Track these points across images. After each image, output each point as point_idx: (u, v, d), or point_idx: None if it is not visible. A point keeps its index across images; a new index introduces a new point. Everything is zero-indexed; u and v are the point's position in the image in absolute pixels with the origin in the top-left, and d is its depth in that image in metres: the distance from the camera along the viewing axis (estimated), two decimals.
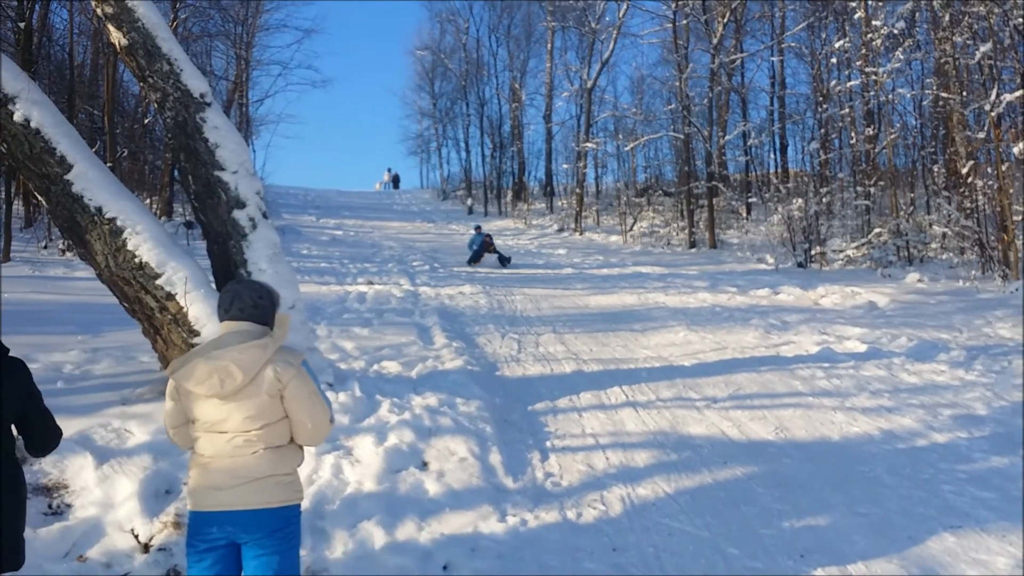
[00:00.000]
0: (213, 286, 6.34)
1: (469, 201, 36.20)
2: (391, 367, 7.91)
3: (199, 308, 5.96)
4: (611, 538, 4.90)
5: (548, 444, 6.35)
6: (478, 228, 20.76)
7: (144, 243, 5.91)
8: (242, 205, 6.47)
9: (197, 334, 5.93)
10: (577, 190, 28.90)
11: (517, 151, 36.90)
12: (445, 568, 4.60)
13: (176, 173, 19.77)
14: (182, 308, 5.93)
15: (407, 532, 4.85)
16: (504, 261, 19.06)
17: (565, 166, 34.57)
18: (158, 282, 5.91)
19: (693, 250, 22.17)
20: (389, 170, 53.34)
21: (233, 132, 6.61)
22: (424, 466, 5.63)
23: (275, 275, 6.46)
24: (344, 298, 12.64)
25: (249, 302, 3.33)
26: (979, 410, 6.76)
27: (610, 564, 4.61)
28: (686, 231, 23.21)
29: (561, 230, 28.44)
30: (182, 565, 4.45)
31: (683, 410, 7.04)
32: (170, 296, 5.93)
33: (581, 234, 27.19)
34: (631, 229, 25.55)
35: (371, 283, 14.49)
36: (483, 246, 19.29)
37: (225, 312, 3.34)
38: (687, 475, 5.70)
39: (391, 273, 16.08)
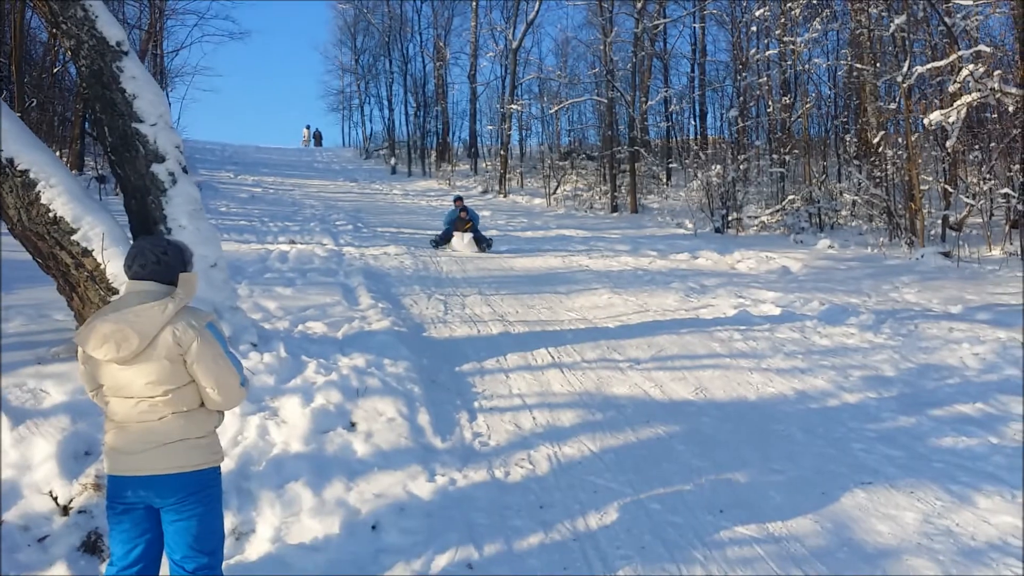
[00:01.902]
0: (131, 243, 6.15)
1: (392, 160, 35.75)
2: (316, 327, 7.83)
3: (116, 265, 5.77)
4: (538, 496, 5.00)
5: (476, 404, 6.41)
6: (457, 200, 16.37)
7: (59, 197, 5.68)
8: (161, 159, 6.27)
9: (115, 292, 5.75)
10: (501, 152, 28.82)
11: (441, 111, 36.53)
12: (374, 528, 4.63)
13: (88, 125, 18.94)
14: (99, 265, 5.74)
15: (335, 492, 4.86)
16: (482, 243, 15.15)
17: (490, 127, 34.41)
18: (74, 238, 5.70)
19: (615, 214, 22.43)
20: (308, 127, 52.23)
21: (151, 83, 6.37)
22: (352, 427, 5.63)
23: (196, 232, 6.30)
24: (265, 257, 12.39)
25: (152, 258, 3.19)
26: (887, 372, 7.08)
27: (537, 521, 4.71)
28: (609, 195, 23.44)
29: (485, 192, 28.38)
30: (103, 527, 4.37)
31: (607, 371, 7.19)
32: (86, 252, 5.73)
33: (505, 196, 27.19)
34: (555, 192, 25.68)
35: (293, 242, 14.23)
36: (454, 224, 15.48)
37: (128, 269, 3.22)
38: (611, 434, 5.85)
39: (313, 232, 15.81)
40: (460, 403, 6.42)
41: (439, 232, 15.64)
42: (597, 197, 24.54)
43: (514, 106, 29.04)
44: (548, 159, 28.22)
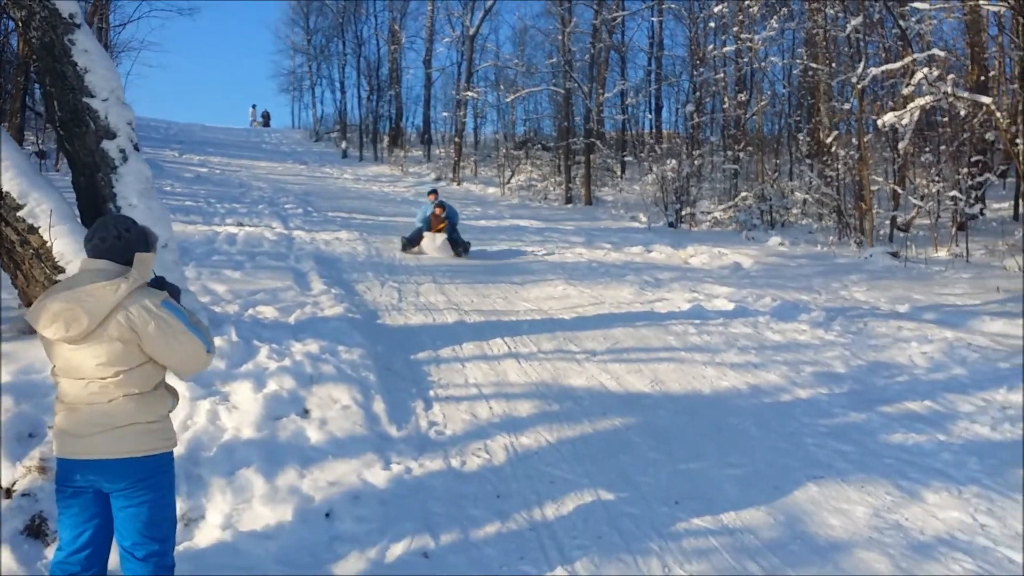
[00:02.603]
0: (79, 221, 5.95)
1: (344, 144, 35.29)
2: (267, 312, 7.68)
3: (64, 243, 5.59)
4: (495, 486, 4.97)
5: (432, 393, 6.35)
6: (432, 194, 14.29)
7: (6, 171, 5.46)
8: (112, 135, 6.07)
9: (61, 270, 5.57)
10: (456, 139, 28.64)
11: (395, 95, 36.16)
12: (328, 516, 4.56)
13: (28, 99, 18.33)
14: (46, 242, 5.54)
15: (288, 480, 4.77)
16: (458, 247, 13.05)
17: (444, 114, 34.13)
18: (20, 213, 5.49)
19: (569, 205, 22.46)
20: (254, 107, 51.36)
21: (104, 57, 6.16)
22: (306, 413, 5.53)
23: (147, 211, 6.12)
24: (213, 239, 12.13)
25: (113, 233, 3.10)
26: (838, 368, 7.19)
27: (494, 511, 4.68)
28: (563, 186, 23.45)
29: (439, 179, 28.17)
30: (49, 511, 4.23)
31: (564, 362, 7.18)
32: (32, 229, 5.53)
33: (459, 184, 27.04)
34: (509, 182, 25.62)
35: (241, 224, 13.95)
36: (427, 221, 13.29)
37: (87, 243, 3.14)
38: (568, 425, 5.84)
39: (262, 215, 15.53)
40: (416, 392, 6.35)
41: (407, 235, 13.34)
42: (551, 188, 24.54)
43: (470, 93, 28.88)
44: (503, 148, 28.13)
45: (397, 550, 4.27)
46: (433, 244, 13.07)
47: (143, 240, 3.20)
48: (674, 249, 14.31)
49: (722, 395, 6.58)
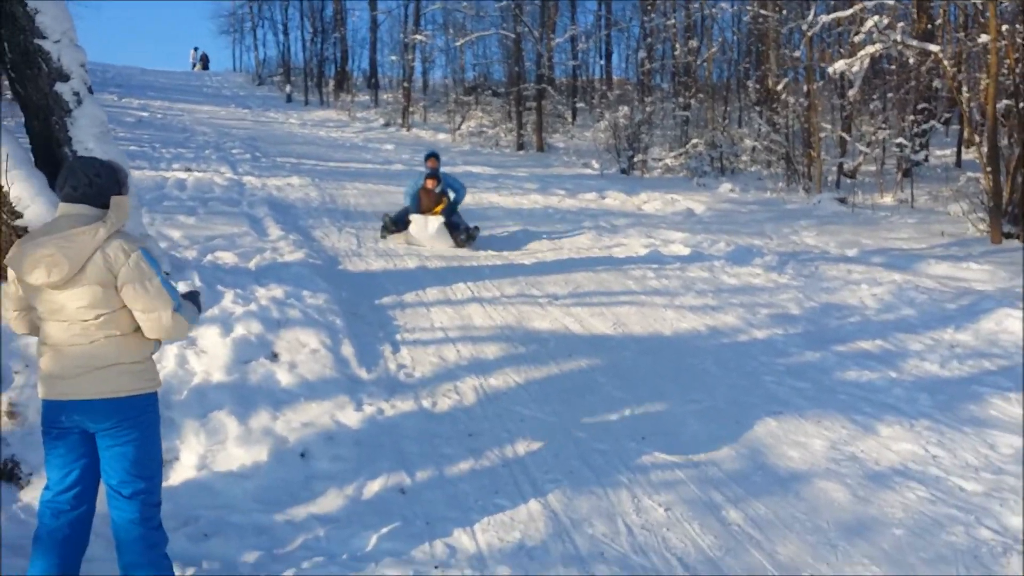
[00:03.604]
0: (34, 165, 5.79)
1: (288, 88, 34.52)
2: (227, 258, 7.59)
3: (21, 188, 5.43)
4: (466, 425, 5.07)
5: (398, 337, 6.39)
6: (431, 159, 10.77)
7: None
8: (66, 78, 5.88)
9: (19, 215, 5.42)
10: (405, 84, 28.23)
11: (340, 38, 35.36)
12: (303, 456, 4.61)
13: None
14: (2, 187, 5.39)
15: (261, 422, 4.79)
16: (461, 233, 9.77)
17: (393, 58, 33.45)
18: None
19: (521, 152, 22.39)
20: (195, 49, 49.73)
21: None
22: (275, 357, 5.53)
23: (103, 155, 5.88)
24: (162, 184, 11.87)
25: (84, 180, 3.06)
26: (792, 310, 7.40)
27: (467, 448, 4.78)
28: (515, 133, 23.35)
29: (387, 125, 27.81)
30: (21, 455, 4.22)
31: (527, 306, 7.26)
32: None
33: (408, 130, 26.72)
34: (459, 128, 25.40)
35: (189, 170, 13.64)
36: (417, 199, 10.02)
37: (59, 191, 3.10)
38: (535, 367, 5.94)
39: (210, 160, 15.19)
40: (382, 335, 6.39)
41: (390, 213, 10.22)
42: (503, 134, 24.39)
43: (418, 37, 28.40)
44: (453, 94, 27.84)
45: (374, 487, 4.35)
46: (425, 230, 9.61)
47: (115, 182, 3.15)
48: (628, 196, 14.42)
49: (682, 336, 6.74)
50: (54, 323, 3.05)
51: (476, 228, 10.00)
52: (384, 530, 3.97)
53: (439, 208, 9.99)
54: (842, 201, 13.51)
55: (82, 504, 3.16)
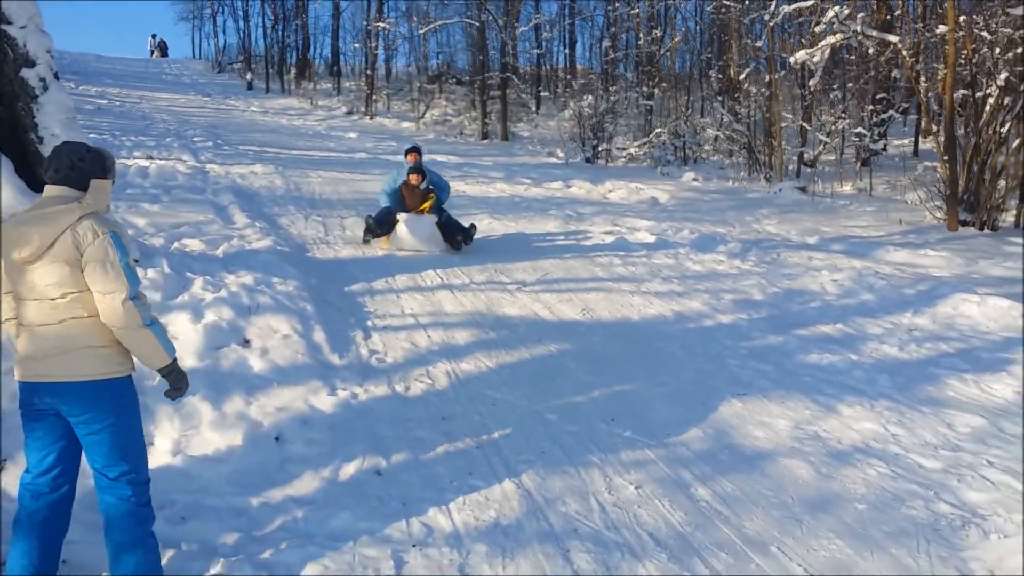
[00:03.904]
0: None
1: (248, 76, 34.14)
2: (194, 245, 7.56)
3: None
4: (439, 408, 5.13)
5: (369, 323, 6.42)
6: (411, 152, 9.55)
7: None
8: (32, 63, 5.84)
9: None
10: (368, 72, 28.06)
11: (301, 25, 35.03)
12: (278, 440, 4.64)
13: None
14: None
15: (235, 407, 4.82)
16: (457, 234, 8.77)
17: (355, 45, 33.27)
18: None
19: (486, 141, 22.41)
20: (154, 36, 48.90)
21: None
22: (246, 343, 5.54)
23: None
24: (123, 172, 11.71)
25: (67, 163, 3.11)
26: (755, 296, 7.55)
27: (440, 432, 4.84)
28: (479, 122, 23.35)
29: (350, 113, 27.65)
30: None
31: (496, 292, 7.33)
32: None
33: (372, 118, 26.59)
34: (423, 116, 25.34)
35: (151, 158, 13.50)
36: (398, 196, 9.07)
37: (44, 173, 3.15)
38: (506, 352, 6.01)
39: (171, 148, 15.03)
40: (353, 322, 6.42)
41: (372, 214, 9.00)
42: (467, 123, 24.38)
43: (381, 24, 28.24)
44: (416, 82, 27.74)
45: (350, 469, 4.40)
46: (415, 232, 8.56)
47: (99, 166, 3.20)
48: (593, 184, 14.53)
49: (649, 321, 6.85)
50: (29, 302, 3.09)
51: (473, 227, 8.78)
52: (361, 511, 4.02)
53: (426, 206, 8.94)
54: (802, 190, 13.75)
55: (62, 486, 3.18)
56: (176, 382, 3.35)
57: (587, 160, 18.35)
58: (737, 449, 4.72)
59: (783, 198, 13.31)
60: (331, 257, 8.33)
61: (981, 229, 10.57)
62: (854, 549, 3.72)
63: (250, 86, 32.92)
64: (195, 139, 17.07)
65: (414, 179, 9.12)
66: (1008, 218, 10.91)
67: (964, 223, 10.71)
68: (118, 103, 22.66)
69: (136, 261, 3.25)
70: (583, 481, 4.32)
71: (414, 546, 3.73)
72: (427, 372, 5.60)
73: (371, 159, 17.36)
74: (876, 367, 5.87)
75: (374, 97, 27.83)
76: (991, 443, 4.71)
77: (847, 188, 14.16)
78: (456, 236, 8.71)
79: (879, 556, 3.67)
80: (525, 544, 3.76)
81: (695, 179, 15.46)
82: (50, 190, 3.12)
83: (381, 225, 8.75)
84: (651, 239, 9.61)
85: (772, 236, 10.39)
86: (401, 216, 8.78)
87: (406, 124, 25.40)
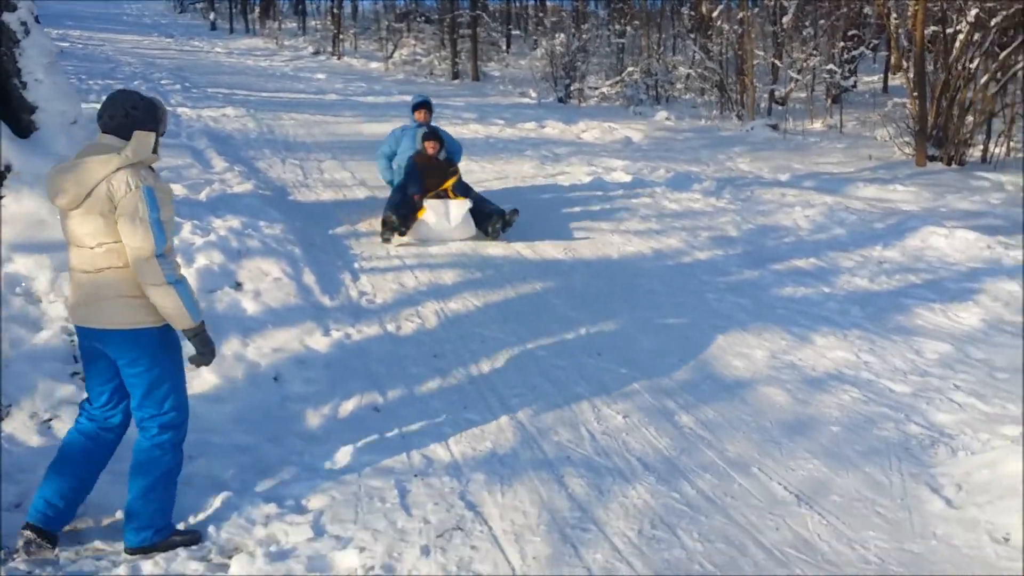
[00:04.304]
0: None
1: (212, 15, 33.42)
2: (176, 190, 7.54)
3: None
4: (431, 347, 5.29)
5: (357, 266, 6.54)
6: (420, 108, 8.11)
7: None
8: (12, 7, 5.74)
9: None
10: (334, 10, 27.57)
11: None
12: (276, 379, 4.79)
13: None
14: None
15: (232, 348, 4.93)
16: (493, 219, 7.15)
17: None
18: None
19: (456, 81, 22.24)
20: None
21: None
22: (238, 286, 5.64)
23: (53, 86, 5.89)
24: (94, 117, 11.58)
25: (120, 111, 3.18)
26: (731, 232, 7.74)
27: (434, 369, 5.01)
28: (449, 61, 23.12)
29: (317, 53, 27.23)
30: None
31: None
32: None
33: (339, 59, 26.22)
34: (392, 56, 25.02)
35: None
36: (411, 170, 7.41)
37: (99, 119, 3.23)
38: (492, 290, 6.16)
39: (140, 91, 14.81)
40: (341, 264, 6.53)
41: (388, 201, 7.36)
42: (437, 63, 24.12)
43: None
44: (384, 20, 27.30)
45: (349, 406, 4.56)
46: (446, 220, 7.04)
47: (151, 116, 3.24)
48: (566, 124, 14.56)
49: (629, 259, 7.02)
50: (72, 248, 3.21)
51: (515, 211, 7.13)
52: (362, 444, 4.19)
53: (450, 183, 7.30)
54: (774, 127, 13.90)
55: (113, 418, 3.37)
56: (200, 347, 3.34)
57: (560, 100, 18.32)
58: (718, 378, 4.94)
59: (755, 136, 13.46)
60: (313, 200, 8.38)
61: (949, 164, 10.81)
62: (830, 468, 3.97)
63: (213, 26, 32.26)
64: (163, 82, 16.83)
65: (431, 147, 7.44)
66: (975, 153, 11.15)
67: (932, 158, 10.95)
68: (80, 46, 22.16)
69: (173, 218, 3.29)
70: (573, 412, 4.52)
71: (416, 476, 3.91)
72: (417, 312, 5.75)
73: (342, 100, 17.26)
74: (848, 298, 6.10)
75: (341, 36, 27.39)
76: (958, 368, 4.97)
77: (818, 125, 14.33)
78: (494, 223, 7.05)
79: (854, 474, 3.92)
80: (521, 472, 3.95)
81: (668, 118, 15.54)
82: (102, 138, 3.19)
83: (406, 220, 6.93)
84: (627, 178, 9.73)
85: (745, 174, 10.56)
86: (430, 202, 7.02)
87: (375, 64, 25.08)
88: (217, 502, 3.69)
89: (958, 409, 4.48)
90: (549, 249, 7.14)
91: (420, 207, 7.04)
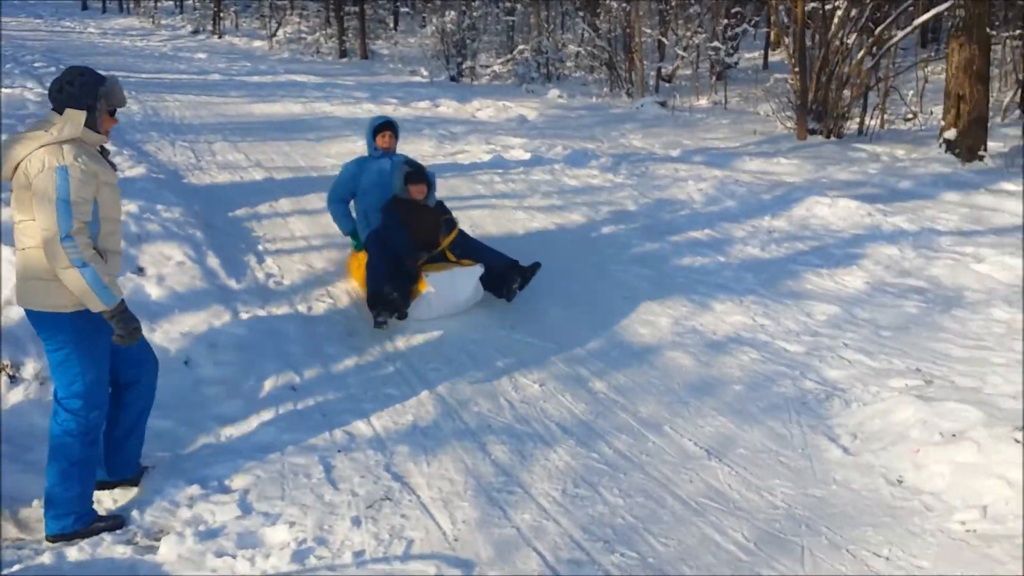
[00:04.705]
0: None
1: None
2: None
3: None
4: (345, 326, 5.32)
5: (260, 247, 6.45)
6: (384, 129, 6.03)
7: None
8: None
9: None
10: None
11: None
12: (187, 363, 4.73)
13: None
14: None
15: None
16: (515, 282, 5.45)
17: None
18: None
19: (344, 60, 21.94)
20: None
21: None
22: (141, 271, 5.50)
23: None
24: None
25: (55, 86, 3.13)
26: (629, 207, 7.97)
27: (349, 347, 5.04)
28: (336, 39, 22.77)
29: (196, 32, 26.41)
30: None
31: None
32: None
33: (220, 37, 25.51)
34: (275, 34, 24.45)
35: None
36: (401, 228, 5.43)
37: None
38: None
39: (13, 75, 14.04)
40: (244, 247, 6.43)
41: (371, 267, 5.36)
42: (323, 41, 23.73)
43: None
44: None
45: (266, 387, 4.55)
46: (451, 291, 5.39)
47: (88, 93, 3.13)
48: (460, 103, 14.60)
49: (534, 234, 7.15)
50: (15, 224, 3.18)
51: (537, 265, 5.53)
52: (282, 424, 4.20)
53: (449, 239, 5.59)
54: (663, 104, 14.29)
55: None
56: (120, 328, 3.23)
57: (452, 78, 18.32)
58: (626, 345, 5.13)
59: (645, 113, 13.82)
60: (208, 183, 8.19)
61: (828, 137, 11.38)
62: (735, 424, 4.21)
63: (85, 5, 30.82)
64: (36, 64, 16.05)
65: (417, 192, 5.60)
66: (852, 126, 11.76)
67: (813, 131, 11.49)
68: None
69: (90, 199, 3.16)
70: (491, 384, 4.63)
71: (339, 451, 3.95)
72: (327, 292, 5.74)
73: (227, 81, 16.89)
74: (742, 266, 6.40)
75: (221, 15, 26.61)
76: (845, 328, 5.31)
77: (703, 102, 14.81)
78: (511, 284, 5.43)
79: (757, 428, 4.17)
80: (444, 442, 4.04)
81: (560, 96, 15.75)
82: (49, 114, 3.15)
83: (405, 296, 5.14)
84: (526, 156, 9.86)
85: (639, 150, 10.86)
86: (431, 277, 5.24)
87: (258, 43, 24.51)
88: (138, 487, 3.65)
89: (848, 365, 4.80)
90: None
91: (418, 278, 5.28)
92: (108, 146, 3.36)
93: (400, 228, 5.43)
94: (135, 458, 3.68)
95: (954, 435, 3.77)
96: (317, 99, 14.61)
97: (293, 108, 13.50)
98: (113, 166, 3.36)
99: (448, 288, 5.34)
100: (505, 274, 5.45)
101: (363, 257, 5.53)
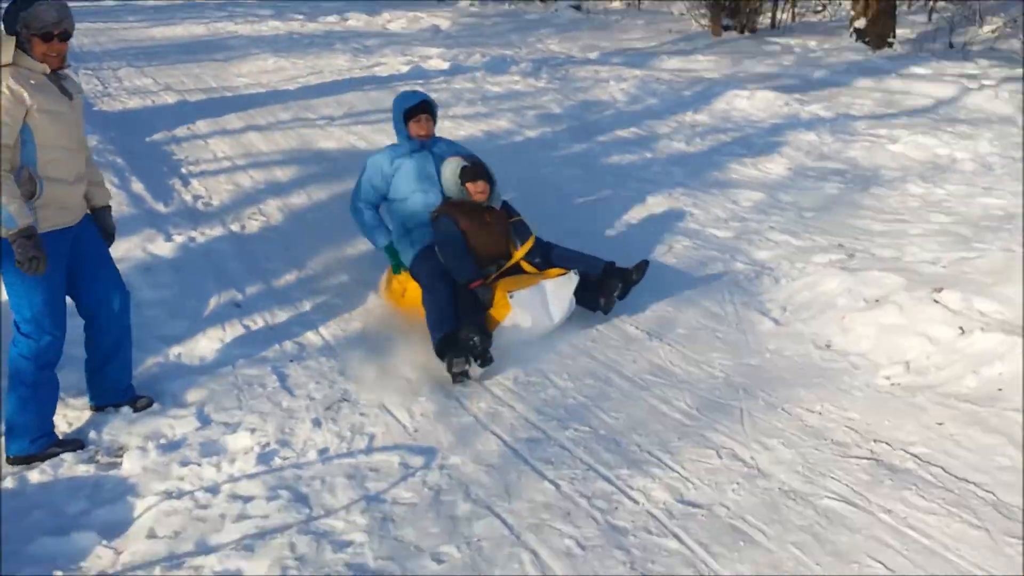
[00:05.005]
0: None
1: None
2: None
3: None
4: (281, 241, 5.30)
5: (184, 170, 6.31)
6: (419, 111, 4.61)
7: None
8: None
9: None
10: None
11: None
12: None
13: None
14: None
15: None
16: (612, 288, 4.22)
17: None
18: None
19: None
20: None
21: None
22: None
23: None
24: None
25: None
26: (555, 110, 8.01)
27: (287, 261, 5.03)
28: None
29: None
30: None
31: (307, 129, 7.33)
32: None
33: None
34: None
35: None
36: (461, 242, 4.20)
37: None
38: (332, 182, 6.14)
39: None
40: (167, 170, 6.28)
41: (431, 302, 4.07)
42: None
43: None
44: None
45: (209, 305, 4.51)
46: (545, 314, 4.12)
47: (11, 19, 2.99)
48: (370, 16, 14.25)
49: (464, 142, 7.12)
50: None
51: (644, 264, 4.34)
52: (230, 340, 4.19)
53: (525, 249, 4.45)
54: (577, 8, 14.21)
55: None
56: (18, 254, 3.06)
57: None
58: (567, 237, 5.21)
59: (560, 17, 13.72)
60: (120, 109, 7.90)
61: (742, 32, 11.52)
62: (674, 307, 4.38)
63: None
64: None
65: (479, 193, 4.42)
66: (765, 20, 11.91)
67: (727, 28, 11.62)
68: None
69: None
70: None
71: (291, 361, 3.98)
72: (259, 210, 5.67)
73: (121, 5, 16.20)
74: (669, 161, 6.55)
75: None
76: (770, 212, 5.52)
77: (617, 4, 14.77)
78: (610, 291, 4.27)
79: (694, 309, 4.35)
80: (394, 345, 4.09)
81: (472, 4, 15.52)
82: None
83: (485, 332, 3.85)
84: (445, 65, 9.75)
85: (557, 54, 10.82)
86: (516, 297, 4.05)
87: None
88: (91, 410, 3.64)
89: (775, 246, 5.01)
90: (383, 139, 7.11)
91: (494, 300, 4.08)
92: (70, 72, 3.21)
93: (459, 242, 4.23)
94: (121, 384, 3.65)
95: (877, 300, 4.01)
96: (220, 19, 14.09)
97: (195, 29, 13.01)
98: (69, 94, 3.22)
99: (539, 307, 4.11)
100: (602, 280, 4.27)
101: (406, 280, 4.42)
